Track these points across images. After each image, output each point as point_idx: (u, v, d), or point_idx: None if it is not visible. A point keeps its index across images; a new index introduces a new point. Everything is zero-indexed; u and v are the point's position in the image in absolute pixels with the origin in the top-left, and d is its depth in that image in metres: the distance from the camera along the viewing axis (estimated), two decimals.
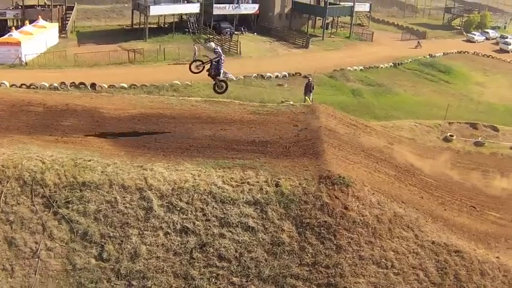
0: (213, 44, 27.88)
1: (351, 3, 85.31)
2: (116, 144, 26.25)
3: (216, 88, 28.24)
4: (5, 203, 21.70)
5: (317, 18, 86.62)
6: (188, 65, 28.03)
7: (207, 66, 27.36)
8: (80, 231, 21.05)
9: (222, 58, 27.32)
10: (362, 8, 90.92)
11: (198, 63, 27.60)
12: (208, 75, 27.59)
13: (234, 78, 29.92)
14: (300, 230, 21.40)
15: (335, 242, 21.20)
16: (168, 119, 29.95)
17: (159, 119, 30.02)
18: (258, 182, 22.91)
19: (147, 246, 20.76)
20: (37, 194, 22.04)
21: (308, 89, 42.66)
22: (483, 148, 38.47)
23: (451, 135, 38.79)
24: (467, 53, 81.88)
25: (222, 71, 27.47)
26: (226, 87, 28.37)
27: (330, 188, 22.71)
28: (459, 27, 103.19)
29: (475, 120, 42.95)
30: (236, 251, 20.78)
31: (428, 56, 75.00)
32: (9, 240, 20.81)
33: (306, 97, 42.11)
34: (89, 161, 23.56)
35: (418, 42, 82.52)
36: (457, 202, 26.46)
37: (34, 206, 21.71)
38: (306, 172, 23.72)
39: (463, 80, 67.61)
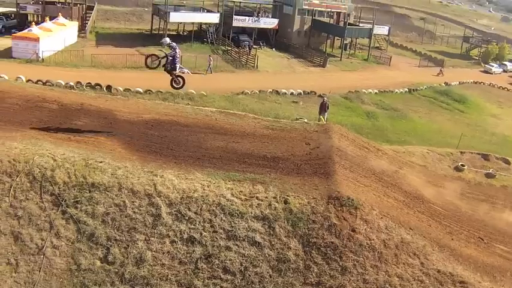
0: (167, 39, 27.65)
1: (370, 26, 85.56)
2: (128, 148, 26.25)
3: (173, 83, 28.20)
4: (14, 197, 21.69)
5: (336, 38, 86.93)
6: (144, 60, 28.03)
7: (163, 61, 27.33)
8: (86, 232, 21.01)
9: (178, 52, 27.24)
10: (381, 31, 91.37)
11: (154, 58, 27.54)
12: (165, 70, 27.54)
13: (191, 73, 29.77)
14: (306, 249, 21.33)
15: (340, 264, 21.11)
16: (181, 127, 29.95)
17: (173, 126, 30.01)
18: (266, 197, 22.85)
19: (153, 253, 20.70)
20: (46, 191, 22.03)
21: (323, 108, 42.69)
22: (494, 180, 38.21)
23: (463, 165, 38.58)
24: (483, 83, 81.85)
25: (178, 66, 27.38)
26: (184, 83, 28.27)
27: (339, 209, 22.63)
28: (477, 58, 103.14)
29: (488, 152, 42.70)
30: (241, 265, 20.70)
31: (443, 84, 74.92)
32: (16, 235, 20.78)
33: (321, 116, 42.11)
34: (100, 162, 23.56)
35: (441, 70, 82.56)
36: (464, 232, 26.28)
37: (43, 203, 21.69)
38: (316, 191, 23.65)
39: (478, 111, 67.53)
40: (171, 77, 27.94)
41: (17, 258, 20.26)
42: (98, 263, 20.46)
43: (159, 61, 27.38)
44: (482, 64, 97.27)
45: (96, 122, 29.17)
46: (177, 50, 27.20)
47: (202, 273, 20.48)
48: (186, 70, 28.44)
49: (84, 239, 20.93)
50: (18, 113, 28.59)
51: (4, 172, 22.29)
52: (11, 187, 21.89)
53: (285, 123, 33.09)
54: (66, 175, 22.51)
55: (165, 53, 27.23)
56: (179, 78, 27.94)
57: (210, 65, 61.55)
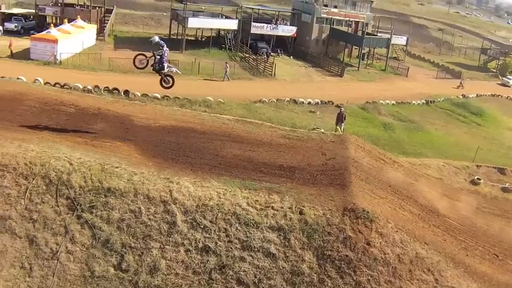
0: (156, 38, 27.61)
1: (388, 36, 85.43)
2: (144, 154, 26.25)
3: (163, 83, 28.34)
4: (30, 200, 21.72)
5: (353, 47, 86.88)
6: (132, 60, 27.97)
7: (151, 61, 27.39)
8: (101, 238, 20.95)
9: (165, 51, 27.25)
10: (399, 41, 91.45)
11: (142, 57, 27.53)
12: (153, 69, 27.73)
13: (180, 73, 29.80)
14: (320, 262, 21.09)
15: (354, 278, 20.86)
16: (198, 134, 29.88)
17: (190, 133, 29.95)
18: (282, 207, 22.67)
19: (167, 262, 20.55)
20: (62, 195, 22.03)
21: (340, 119, 42.62)
22: (510, 195, 37.80)
23: (479, 179, 38.22)
24: (501, 96, 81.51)
25: (166, 65, 27.44)
26: (173, 82, 28.36)
27: (354, 221, 22.42)
28: (495, 70, 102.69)
29: (504, 166, 42.31)
30: (255, 277, 20.47)
31: (461, 97, 74.66)
32: (31, 238, 20.78)
33: (337, 127, 41.99)
34: (117, 167, 23.55)
35: (461, 82, 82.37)
36: (480, 248, 25.95)
37: (58, 206, 21.68)
38: (331, 202, 23.44)
39: (495, 124, 67.18)
40: (160, 77, 27.98)
41: (31, 263, 20.24)
42: (112, 270, 20.36)
43: (147, 61, 27.48)
44: (500, 77, 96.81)
45: (113, 127, 29.22)
46: (165, 49, 27.27)
47: (216, 284, 20.30)
48: (174, 69, 28.53)
49: (98, 245, 20.87)
50: (35, 116, 28.76)
51: (20, 174, 22.36)
52: (27, 189, 21.94)
53: (301, 133, 32.94)
54: (82, 179, 22.52)
55: (153, 52, 27.30)
56: (168, 78, 28.09)
57: (226, 72, 61.59)
